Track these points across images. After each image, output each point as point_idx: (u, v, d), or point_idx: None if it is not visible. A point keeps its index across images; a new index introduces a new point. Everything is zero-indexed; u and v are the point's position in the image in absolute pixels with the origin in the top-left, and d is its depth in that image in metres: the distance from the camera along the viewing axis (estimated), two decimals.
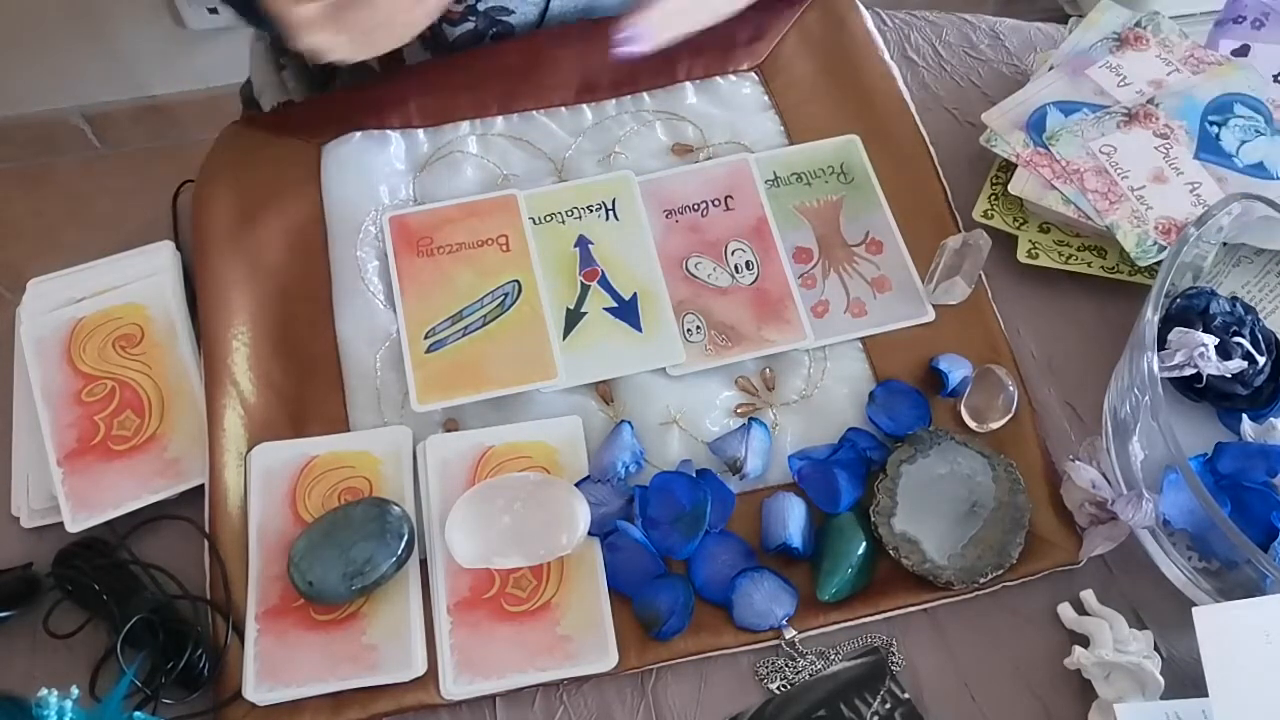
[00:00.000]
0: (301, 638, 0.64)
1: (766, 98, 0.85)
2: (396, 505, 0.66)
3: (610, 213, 0.79)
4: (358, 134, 0.82)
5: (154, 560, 0.67)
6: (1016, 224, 0.78)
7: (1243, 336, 0.69)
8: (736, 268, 0.77)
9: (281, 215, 0.79)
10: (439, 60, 0.88)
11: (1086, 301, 0.77)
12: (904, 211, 0.79)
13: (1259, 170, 0.76)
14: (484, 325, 0.74)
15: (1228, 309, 0.70)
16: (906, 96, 0.85)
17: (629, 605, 0.65)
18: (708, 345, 0.74)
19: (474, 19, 0.85)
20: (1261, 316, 0.73)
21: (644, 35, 0.72)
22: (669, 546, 0.67)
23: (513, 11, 0.85)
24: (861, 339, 0.75)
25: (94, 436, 0.70)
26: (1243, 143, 0.77)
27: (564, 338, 0.74)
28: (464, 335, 0.74)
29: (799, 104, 0.84)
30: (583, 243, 0.78)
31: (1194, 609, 0.57)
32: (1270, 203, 0.69)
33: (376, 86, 0.84)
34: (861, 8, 0.89)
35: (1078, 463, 0.67)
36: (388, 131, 0.83)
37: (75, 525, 0.67)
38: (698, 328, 0.75)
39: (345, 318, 0.75)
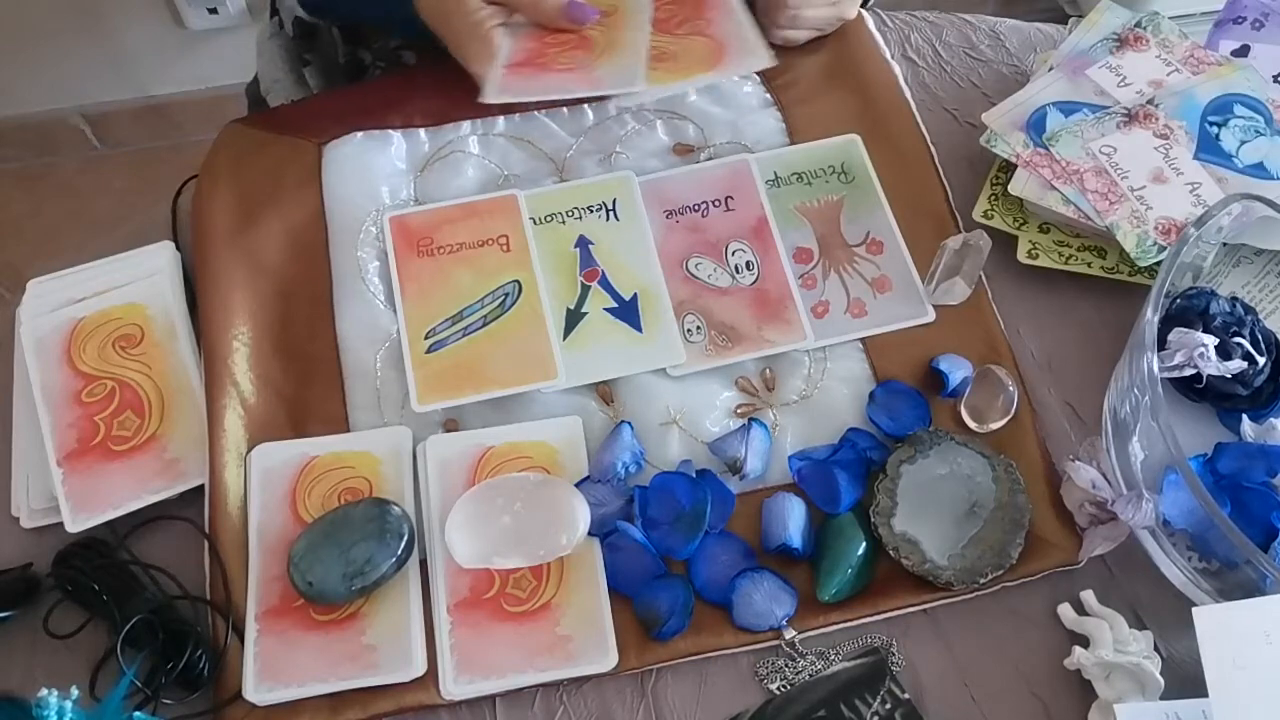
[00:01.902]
0: (301, 638, 0.64)
1: (768, 95, 0.85)
2: (396, 505, 0.66)
3: (611, 213, 0.79)
4: (359, 134, 0.82)
5: (154, 560, 0.67)
6: (1016, 224, 0.78)
7: (1243, 337, 0.69)
8: (737, 268, 0.77)
9: (282, 215, 0.79)
10: (440, 60, 0.88)
11: (1086, 301, 0.77)
12: (904, 212, 0.79)
13: (1259, 170, 0.76)
14: (484, 325, 0.74)
15: (1228, 309, 0.70)
16: (907, 96, 0.85)
17: (629, 605, 0.65)
18: (708, 345, 0.74)
19: None
20: (1261, 316, 0.73)
21: None
22: (669, 547, 0.67)
23: None
24: (861, 339, 0.75)
25: (94, 437, 0.70)
26: (1243, 143, 0.77)
27: (564, 338, 0.74)
28: (464, 335, 0.74)
29: (800, 103, 0.84)
30: (583, 243, 0.78)
31: (1194, 609, 0.57)
32: (1270, 203, 0.69)
33: (378, 86, 0.84)
34: (862, 9, 0.89)
35: (1078, 463, 0.67)
36: (389, 131, 0.83)
37: (75, 525, 0.67)
38: (698, 328, 0.75)
39: (345, 318, 0.75)
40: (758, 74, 0.86)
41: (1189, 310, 0.70)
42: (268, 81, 0.99)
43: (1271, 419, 0.70)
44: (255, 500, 0.68)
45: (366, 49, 0.94)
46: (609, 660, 0.64)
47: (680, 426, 0.72)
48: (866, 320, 0.75)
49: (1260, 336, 0.70)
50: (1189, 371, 0.68)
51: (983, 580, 0.65)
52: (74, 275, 0.77)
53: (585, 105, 0.84)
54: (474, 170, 0.81)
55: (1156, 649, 0.63)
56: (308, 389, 0.73)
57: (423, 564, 0.67)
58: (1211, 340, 0.67)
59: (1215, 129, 0.78)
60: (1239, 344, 0.69)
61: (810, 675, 0.64)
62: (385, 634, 0.64)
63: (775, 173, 0.81)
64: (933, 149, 0.82)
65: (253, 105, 1.02)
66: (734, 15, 0.81)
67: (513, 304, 0.75)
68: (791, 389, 0.73)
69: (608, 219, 0.79)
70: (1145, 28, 0.83)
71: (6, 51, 1.67)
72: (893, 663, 0.64)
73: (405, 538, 0.65)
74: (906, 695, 0.63)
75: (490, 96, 0.77)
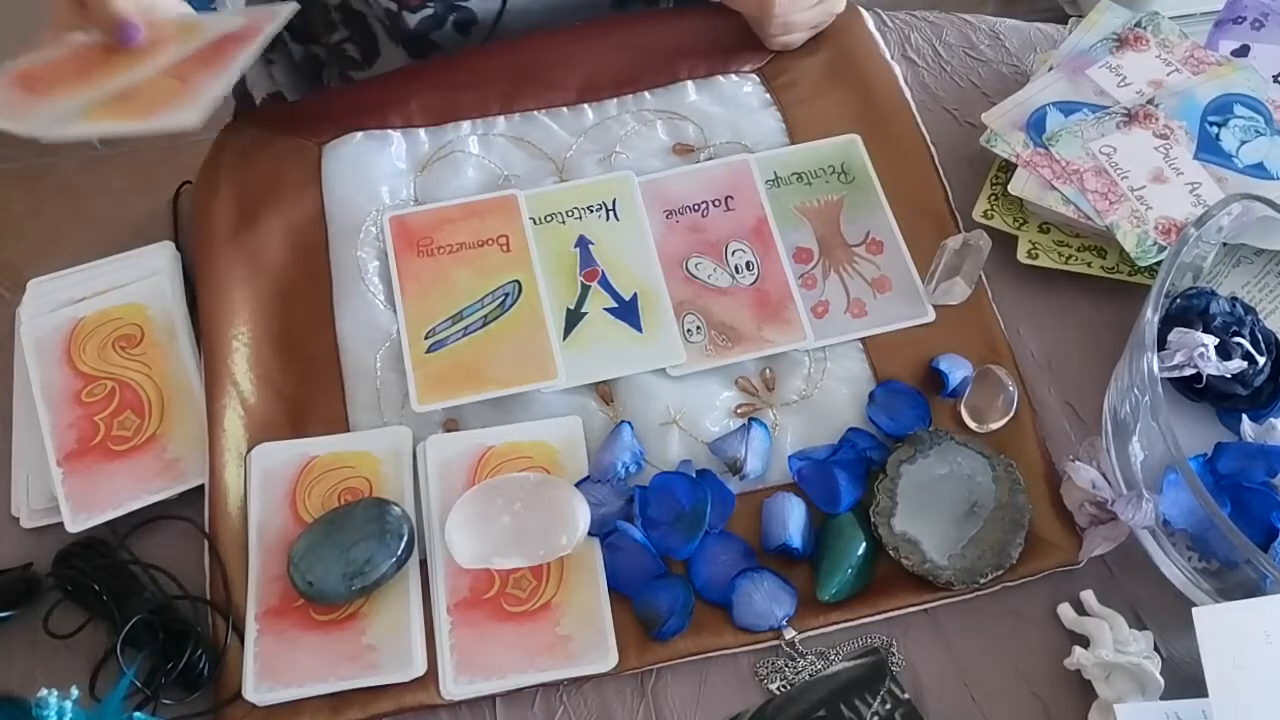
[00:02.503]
0: (301, 638, 0.64)
1: (768, 96, 0.85)
2: (396, 505, 0.66)
3: (610, 213, 0.79)
4: (359, 134, 0.82)
5: (154, 560, 0.67)
6: (1016, 224, 0.78)
7: (1243, 336, 0.69)
8: (737, 268, 0.77)
9: (282, 215, 0.79)
10: (440, 60, 0.88)
11: (1086, 301, 0.77)
12: (904, 211, 0.79)
13: (1259, 170, 0.76)
14: (484, 325, 0.74)
15: (1228, 309, 0.70)
16: (907, 96, 0.85)
17: (629, 605, 0.65)
18: (708, 345, 0.74)
19: (433, 4, 0.85)
20: (1261, 316, 0.73)
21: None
22: (669, 547, 0.67)
23: None
24: (861, 339, 0.75)
25: (94, 437, 0.70)
26: (1243, 143, 0.77)
27: (564, 338, 0.74)
28: (464, 335, 0.74)
29: (800, 103, 0.84)
30: (583, 243, 0.78)
31: (1194, 609, 0.57)
32: (1270, 203, 0.69)
33: (378, 86, 0.84)
34: (862, 9, 0.89)
35: (1078, 463, 0.67)
36: (389, 131, 0.83)
37: (75, 525, 0.67)
38: (698, 328, 0.75)
39: (345, 318, 0.75)
40: (757, 74, 0.86)
41: (1189, 310, 0.70)
42: (251, 79, 1.00)
43: (1271, 419, 0.70)
44: (255, 500, 0.68)
45: (319, 45, 0.96)
46: (609, 660, 0.64)
47: (680, 426, 0.72)
48: (866, 320, 0.75)
49: (1260, 336, 0.70)
50: (1189, 371, 0.68)
51: (983, 580, 0.65)
52: (74, 275, 0.77)
53: (585, 104, 0.84)
54: (474, 170, 0.81)
55: (1156, 649, 0.63)
56: (308, 389, 0.73)
57: (423, 564, 0.67)
58: (1211, 340, 0.67)
59: (1215, 129, 0.78)
60: (1239, 344, 0.69)
61: (810, 675, 0.64)
62: (385, 634, 0.64)
63: (775, 173, 0.81)
64: (933, 149, 0.82)
65: (240, 103, 1.03)
66: (223, 67, 0.72)
67: (513, 304, 0.75)
68: (791, 389, 0.73)
69: (608, 219, 0.79)
70: (1145, 28, 0.83)
71: (6, 51, 1.67)
72: (893, 663, 0.64)
73: (405, 538, 0.65)
74: (906, 695, 0.63)
75: None
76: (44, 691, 0.55)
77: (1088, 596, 0.65)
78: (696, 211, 0.79)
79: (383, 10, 0.87)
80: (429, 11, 0.86)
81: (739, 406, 0.73)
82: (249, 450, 0.70)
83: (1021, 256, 0.77)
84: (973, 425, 0.71)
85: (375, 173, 0.81)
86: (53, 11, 0.77)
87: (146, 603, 0.64)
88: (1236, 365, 0.68)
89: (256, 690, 0.62)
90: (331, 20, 0.93)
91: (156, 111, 0.69)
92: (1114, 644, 0.63)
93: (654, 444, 0.71)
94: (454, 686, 0.63)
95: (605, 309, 0.75)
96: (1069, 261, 0.76)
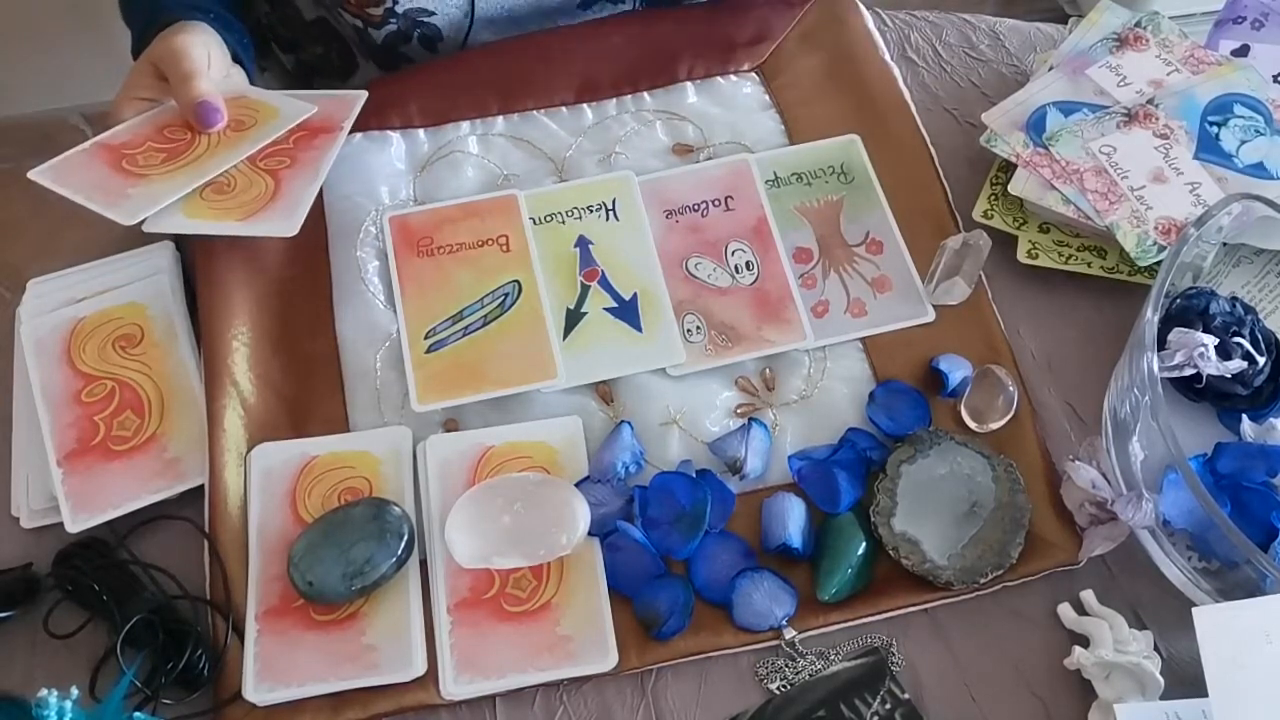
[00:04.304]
0: (301, 638, 0.64)
1: (767, 97, 0.85)
2: (396, 505, 0.66)
3: (610, 213, 0.79)
4: (358, 134, 0.82)
5: (154, 560, 0.67)
6: (1016, 224, 0.78)
7: (1243, 336, 0.69)
8: (736, 268, 0.77)
9: None
10: (440, 60, 0.88)
11: (1086, 301, 0.77)
12: (904, 211, 0.79)
13: (1259, 170, 0.76)
14: (484, 325, 0.74)
15: (1228, 309, 0.70)
16: (907, 96, 0.85)
17: (629, 605, 0.65)
18: (708, 345, 0.74)
19: (395, 20, 0.86)
20: (1261, 316, 0.73)
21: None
22: (669, 546, 0.67)
23: (434, 13, 0.85)
24: (861, 339, 0.75)
25: (94, 437, 0.70)
26: (1243, 143, 0.77)
27: (564, 338, 0.74)
28: (464, 335, 0.74)
29: (799, 104, 0.84)
30: (583, 243, 0.78)
31: (1194, 609, 0.57)
32: (1270, 203, 0.69)
33: (377, 86, 0.84)
34: (862, 8, 0.90)
35: (1078, 463, 0.67)
36: (388, 132, 0.83)
37: (75, 525, 0.67)
38: (698, 328, 0.75)
39: (345, 318, 0.75)
40: (757, 75, 0.86)
41: (1189, 310, 0.70)
42: None
43: (1271, 419, 0.70)
44: (255, 500, 0.68)
45: (305, 54, 0.97)
46: (609, 660, 0.64)
47: (680, 426, 0.72)
48: (866, 320, 0.75)
49: (1260, 336, 0.70)
50: (1189, 371, 0.68)
51: (983, 580, 0.65)
52: (74, 275, 0.77)
53: (584, 105, 0.84)
54: (473, 170, 0.81)
55: (1156, 649, 0.63)
56: (308, 389, 0.73)
57: (423, 564, 0.67)
58: (1211, 340, 0.67)
59: (1215, 129, 0.78)
60: (1239, 344, 0.69)
61: (810, 675, 0.64)
62: (385, 634, 0.64)
63: (775, 173, 0.81)
64: (933, 149, 0.82)
65: None
66: (315, 171, 0.75)
67: (513, 304, 0.75)
68: (791, 389, 0.73)
69: (607, 219, 0.79)
70: (1145, 27, 0.83)
71: (6, 51, 1.66)
72: (893, 663, 0.64)
73: (405, 538, 0.65)
74: (906, 695, 0.63)
75: (39, 174, 0.78)
76: (44, 691, 0.55)
77: (1088, 596, 0.65)
78: (696, 211, 0.79)
79: (350, 27, 0.88)
80: (393, 28, 0.86)
81: (739, 406, 0.73)
82: (249, 450, 0.70)
83: (1021, 256, 0.77)
84: (973, 425, 0.71)
85: (375, 173, 0.81)
86: (129, 77, 0.79)
87: (146, 603, 0.64)
88: (1236, 365, 0.68)
89: (256, 690, 0.62)
90: (311, 34, 0.94)
91: (254, 217, 0.73)
92: (1114, 644, 0.63)
93: (654, 444, 0.71)
94: (454, 686, 0.63)
95: (605, 309, 0.75)
96: (1069, 261, 0.76)
